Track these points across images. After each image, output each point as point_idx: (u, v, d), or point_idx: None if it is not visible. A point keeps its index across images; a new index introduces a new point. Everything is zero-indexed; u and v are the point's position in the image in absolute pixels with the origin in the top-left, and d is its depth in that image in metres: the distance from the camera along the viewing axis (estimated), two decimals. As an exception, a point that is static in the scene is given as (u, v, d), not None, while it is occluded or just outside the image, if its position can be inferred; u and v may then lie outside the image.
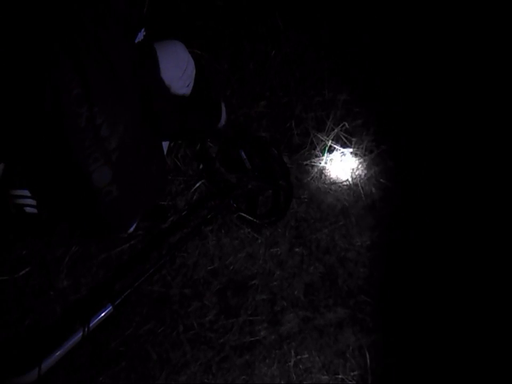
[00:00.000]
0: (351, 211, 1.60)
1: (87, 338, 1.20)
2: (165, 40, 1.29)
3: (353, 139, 1.70)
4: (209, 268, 1.50)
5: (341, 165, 1.66)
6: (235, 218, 1.56)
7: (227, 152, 1.64)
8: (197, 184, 1.60)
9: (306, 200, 1.61)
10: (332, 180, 1.64)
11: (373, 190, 1.63)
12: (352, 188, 1.63)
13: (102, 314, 1.22)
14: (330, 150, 1.68)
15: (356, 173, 1.65)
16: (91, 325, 1.20)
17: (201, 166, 1.62)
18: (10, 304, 1.40)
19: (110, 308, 1.22)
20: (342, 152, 1.68)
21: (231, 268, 1.50)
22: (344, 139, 1.69)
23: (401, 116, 1.73)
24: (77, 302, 1.42)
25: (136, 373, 1.37)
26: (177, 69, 1.26)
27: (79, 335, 1.19)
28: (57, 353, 1.18)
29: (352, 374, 1.40)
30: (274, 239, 1.55)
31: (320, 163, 1.67)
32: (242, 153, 1.56)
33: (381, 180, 1.65)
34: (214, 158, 1.63)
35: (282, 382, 1.39)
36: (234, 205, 1.54)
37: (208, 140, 1.59)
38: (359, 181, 1.64)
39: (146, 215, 1.49)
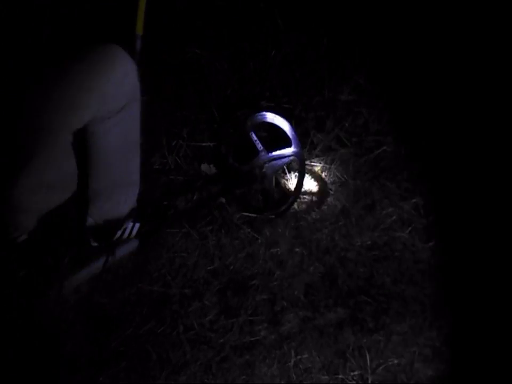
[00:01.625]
0: (351, 211, 1.60)
1: (108, 268, 1.21)
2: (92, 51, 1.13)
3: (353, 139, 1.70)
4: (209, 268, 1.50)
5: (341, 165, 1.66)
6: (235, 218, 1.56)
7: (237, 142, 1.61)
8: (198, 184, 1.60)
9: (306, 200, 1.61)
10: (332, 180, 1.64)
11: (373, 190, 1.63)
12: (352, 188, 1.63)
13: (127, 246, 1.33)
14: (331, 150, 1.68)
15: (356, 173, 1.65)
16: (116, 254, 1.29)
17: (213, 169, 1.61)
18: (10, 304, 1.40)
19: (136, 242, 1.33)
20: (342, 152, 1.68)
21: (231, 268, 1.50)
22: (344, 139, 1.69)
23: (402, 115, 1.73)
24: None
25: (136, 373, 1.36)
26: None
27: (101, 261, 1.26)
28: (77, 275, 1.26)
29: (352, 374, 1.39)
30: (274, 239, 1.55)
31: (320, 163, 1.67)
32: (253, 135, 1.55)
33: (381, 180, 1.65)
34: (226, 154, 1.61)
35: (282, 382, 1.38)
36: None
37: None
38: (359, 181, 1.64)
39: (147, 215, 1.49)
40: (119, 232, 1.44)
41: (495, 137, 1.66)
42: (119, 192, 1.32)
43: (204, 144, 1.67)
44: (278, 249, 1.53)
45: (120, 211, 1.38)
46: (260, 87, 1.75)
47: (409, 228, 1.59)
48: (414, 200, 1.62)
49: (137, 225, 1.46)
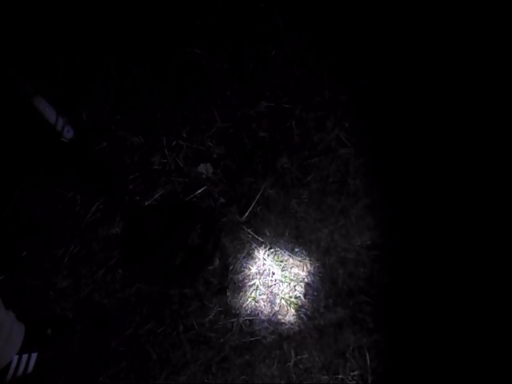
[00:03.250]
0: (351, 211, 1.60)
1: None
2: None
3: (353, 139, 1.69)
4: (209, 268, 1.50)
5: (341, 165, 1.66)
6: (236, 218, 1.56)
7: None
8: (200, 190, 1.60)
9: (306, 200, 1.61)
10: (332, 180, 1.64)
11: (373, 190, 1.63)
12: (352, 188, 1.63)
13: None
14: (330, 151, 1.68)
15: (356, 173, 1.65)
16: None
17: (211, 169, 1.59)
18: (11, 304, 1.40)
19: None
20: (342, 152, 1.68)
21: (231, 268, 1.50)
22: (344, 139, 1.69)
23: (402, 116, 1.73)
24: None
25: (136, 373, 1.37)
26: None
27: None
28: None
29: (352, 374, 1.39)
30: (274, 239, 1.55)
31: (320, 163, 1.67)
32: None
33: (381, 180, 1.65)
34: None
35: (282, 382, 1.38)
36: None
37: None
38: (359, 180, 1.64)
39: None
40: (10, 373, 1.24)
41: (495, 137, 1.66)
42: None
43: (203, 144, 1.67)
44: (278, 249, 1.53)
45: None
46: (260, 87, 1.75)
47: (409, 228, 1.59)
48: (413, 200, 1.62)
49: (34, 355, 1.28)
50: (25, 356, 1.24)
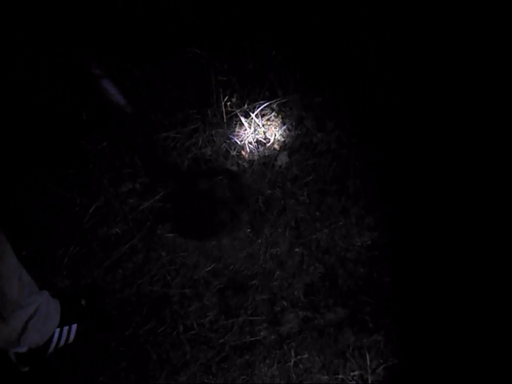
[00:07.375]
0: (351, 211, 1.60)
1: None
2: None
3: (353, 139, 1.70)
4: (209, 268, 1.50)
5: (341, 165, 1.66)
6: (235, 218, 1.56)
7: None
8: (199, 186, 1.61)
9: (306, 200, 1.61)
10: (332, 180, 1.64)
11: (373, 190, 1.63)
12: (352, 188, 1.63)
13: None
14: (330, 151, 1.68)
15: (356, 173, 1.65)
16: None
17: None
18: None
19: None
20: (342, 152, 1.68)
21: (231, 268, 1.50)
22: (344, 139, 1.69)
23: (402, 116, 1.73)
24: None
25: (136, 373, 1.36)
26: None
27: None
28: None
29: (352, 374, 1.39)
30: (274, 239, 1.55)
31: (320, 163, 1.67)
32: None
33: (381, 180, 1.65)
34: None
35: (282, 382, 1.38)
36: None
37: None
38: (359, 180, 1.64)
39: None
40: (52, 346, 1.29)
41: (495, 137, 1.66)
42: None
43: (204, 143, 1.67)
44: (278, 249, 1.53)
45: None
46: (260, 87, 1.75)
47: (409, 228, 1.59)
48: (413, 200, 1.62)
49: (74, 326, 1.33)
50: (66, 328, 1.31)
